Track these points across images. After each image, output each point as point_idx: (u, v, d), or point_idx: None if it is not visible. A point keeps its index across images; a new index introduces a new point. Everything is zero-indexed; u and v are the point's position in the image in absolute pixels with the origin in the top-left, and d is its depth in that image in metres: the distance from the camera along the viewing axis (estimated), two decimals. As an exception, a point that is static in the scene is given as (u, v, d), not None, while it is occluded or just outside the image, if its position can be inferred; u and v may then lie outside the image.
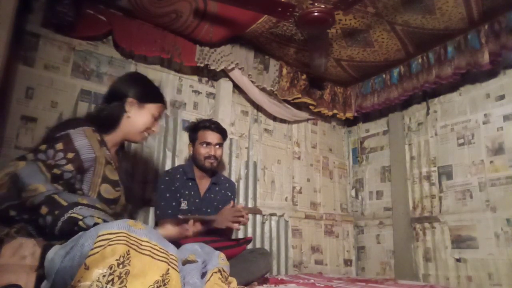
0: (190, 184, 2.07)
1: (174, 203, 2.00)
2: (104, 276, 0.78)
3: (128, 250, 0.83)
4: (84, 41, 2.27)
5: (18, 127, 1.99)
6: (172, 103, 2.65)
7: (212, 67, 2.65)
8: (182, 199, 2.02)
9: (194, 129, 2.13)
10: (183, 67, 2.71)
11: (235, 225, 1.75)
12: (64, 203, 1.06)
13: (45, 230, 1.04)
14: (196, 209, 2.04)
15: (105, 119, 1.36)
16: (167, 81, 2.65)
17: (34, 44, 2.11)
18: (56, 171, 1.14)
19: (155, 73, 2.59)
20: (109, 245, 0.82)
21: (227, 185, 2.23)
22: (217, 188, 2.15)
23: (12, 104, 1.99)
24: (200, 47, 2.60)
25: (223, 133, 2.14)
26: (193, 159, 2.13)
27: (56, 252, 0.94)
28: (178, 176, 2.07)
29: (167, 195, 2.00)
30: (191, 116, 2.72)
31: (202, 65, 2.61)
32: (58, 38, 2.18)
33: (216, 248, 1.66)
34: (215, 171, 2.17)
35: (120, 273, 0.80)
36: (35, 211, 1.05)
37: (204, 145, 2.05)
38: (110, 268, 0.79)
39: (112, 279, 0.79)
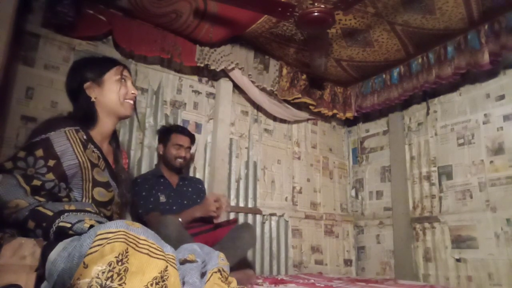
0: (161, 180, 2.22)
1: (152, 198, 2.13)
2: (103, 272, 0.78)
3: (127, 248, 0.83)
4: (84, 41, 2.27)
5: (18, 127, 1.99)
6: (172, 103, 2.66)
7: (212, 67, 2.65)
8: (159, 193, 2.16)
9: (167, 132, 2.28)
10: (183, 67, 2.71)
11: (214, 213, 1.97)
12: (50, 213, 1.01)
13: None
14: (173, 202, 2.18)
15: (83, 117, 1.29)
16: (167, 81, 2.65)
17: (34, 44, 2.11)
18: (36, 182, 1.06)
19: (155, 73, 2.60)
20: (108, 243, 0.81)
21: (195, 179, 2.46)
22: (186, 182, 2.33)
23: (12, 104, 1.99)
24: (200, 47, 2.60)
25: (192, 138, 2.35)
26: (163, 159, 2.27)
27: (58, 254, 0.94)
28: (149, 177, 2.22)
29: (143, 193, 2.13)
30: (191, 116, 2.73)
31: (202, 65, 2.61)
32: (58, 38, 2.18)
33: (203, 232, 1.94)
34: (181, 171, 2.34)
35: (120, 270, 0.80)
36: (21, 226, 1.01)
37: (177, 147, 2.23)
38: (110, 265, 0.79)
39: (112, 276, 0.79)
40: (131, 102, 1.36)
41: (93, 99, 1.30)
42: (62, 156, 1.13)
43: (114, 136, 1.42)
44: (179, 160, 2.24)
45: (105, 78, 1.32)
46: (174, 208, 2.14)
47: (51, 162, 1.10)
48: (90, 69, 1.33)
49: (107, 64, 1.35)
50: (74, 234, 0.98)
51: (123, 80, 1.34)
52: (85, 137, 1.23)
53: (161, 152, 2.28)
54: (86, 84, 1.30)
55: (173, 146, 2.24)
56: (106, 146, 1.36)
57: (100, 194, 1.20)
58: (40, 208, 1.02)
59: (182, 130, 2.32)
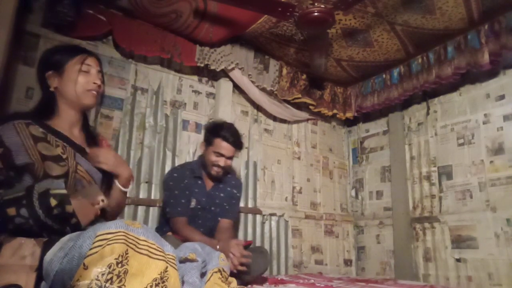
0: (198, 182, 2.10)
1: (183, 200, 2.01)
2: (103, 274, 0.78)
3: (127, 250, 0.83)
4: (84, 41, 2.26)
5: (18, 127, 1.98)
6: (172, 103, 2.65)
7: (212, 67, 2.65)
8: (192, 197, 2.05)
9: (212, 133, 2.07)
10: (183, 67, 2.71)
11: (231, 267, 1.64)
12: (21, 193, 1.01)
13: (30, 227, 1.00)
14: (202, 207, 2.08)
15: (42, 107, 1.29)
16: (167, 81, 2.65)
17: (34, 44, 2.11)
18: None
19: (155, 73, 2.60)
20: (108, 244, 0.81)
21: (233, 182, 2.24)
22: (221, 186, 2.17)
23: (12, 104, 1.99)
24: (200, 47, 2.60)
25: (239, 147, 2.10)
26: (202, 160, 2.14)
27: (55, 254, 0.93)
28: (187, 173, 2.09)
29: (176, 192, 2.02)
30: (191, 116, 2.72)
31: (202, 65, 2.61)
32: (58, 38, 2.18)
33: None
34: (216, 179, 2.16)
35: (119, 272, 0.80)
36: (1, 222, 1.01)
37: (217, 154, 2.03)
38: (109, 267, 0.79)
39: (111, 278, 0.79)
40: (94, 92, 1.32)
41: (51, 88, 1.29)
42: (10, 146, 1.12)
43: (85, 123, 1.39)
44: (216, 169, 2.04)
45: (66, 67, 1.29)
46: (200, 213, 2.07)
47: None
48: (53, 58, 1.31)
49: (69, 52, 1.32)
50: (55, 192, 1.00)
51: (84, 69, 1.30)
52: (40, 129, 1.21)
53: (201, 152, 2.13)
54: (48, 73, 1.29)
55: (213, 152, 2.02)
56: (78, 133, 1.34)
57: (50, 168, 1.17)
58: (6, 197, 1.01)
59: (228, 137, 2.03)
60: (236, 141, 2.07)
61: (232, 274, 1.65)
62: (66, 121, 1.30)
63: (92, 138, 1.39)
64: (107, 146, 1.48)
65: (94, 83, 1.31)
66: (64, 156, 1.20)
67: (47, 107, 1.29)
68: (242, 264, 1.70)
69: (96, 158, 1.26)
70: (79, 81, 1.29)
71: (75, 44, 1.44)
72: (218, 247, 1.77)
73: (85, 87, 1.30)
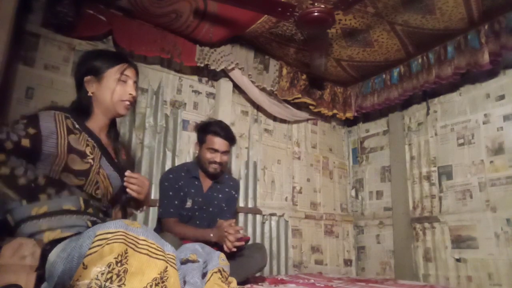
0: (195, 183, 2.10)
1: (176, 202, 2.01)
2: (102, 274, 0.78)
3: (126, 249, 0.83)
4: (84, 41, 2.27)
5: (18, 127, 1.98)
6: (172, 103, 2.65)
7: (212, 67, 2.65)
8: (187, 198, 2.04)
9: (203, 131, 2.10)
10: (183, 67, 2.71)
11: (228, 245, 1.76)
12: (12, 223, 1.04)
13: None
14: (199, 208, 2.07)
15: (78, 108, 1.31)
16: (167, 81, 2.65)
17: (34, 44, 2.11)
18: (8, 144, 1.07)
19: (155, 73, 2.60)
20: (107, 244, 0.81)
21: (231, 183, 2.25)
22: (219, 186, 2.17)
23: (12, 104, 1.99)
24: (200, 47, 2.60)
25: (231, 140, 2.12)
26: (198, 160, 2.14)
27: (57, 255, 0.94)
28: (183, 174, 2.09)
29: (170, 193, 2.02)
30: (191, 116, 2.73)
31: (202, 65, 2.61)
32: (58, 38, 2.18)
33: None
34: (215, 177, 2.17)
35: (119, 271, 0.80)
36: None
37: (211, 151, 2.05)
38: (109, 266, 0.79)
39: (111, 277, 0.78)
40: (127, 103, 1.34)
41: (89, 93, 1.31)
42: (43, 131, 1.14)
43: (112, 129, 1.42)
44: (213, 166, 2.05)
45: (105, 74, 1.31)
46: (197, 214, 2.06)
47: (31, 130, 1.12)
48: (94, 63, 1.33)
49: (111, 60, 1.34)
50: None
51: (123, 79, 1.33)
52: (76, 126, 1.24)
53: (196, 152, 2.15)
54: (86, 78, 1.31)
55: (207, 149, 2.05)
56: (104, 138, 1.36)
57: (74, 161, 1.18)
58: (8, 216, 1.04)
59: (219, 131, 2.07)
60: (227, 135, 2.09)
61: (229, 255, 1.68)
62: (97, 124, 1.33)
63: (116, 146, 1.42)
64: (123, 155, 1.50)
65: (130, 94, 1.34)
66: (91, 156, 1.22)
67: (81, 109, 1.31)
68: (237, 240, 1.77)
69: (131, 180, 1.28)
70: (116, 91, 1.31)
71: (117, 52, 1.47)
72: (211, 234, 1.83)
73: (121, 97, 1.32)
